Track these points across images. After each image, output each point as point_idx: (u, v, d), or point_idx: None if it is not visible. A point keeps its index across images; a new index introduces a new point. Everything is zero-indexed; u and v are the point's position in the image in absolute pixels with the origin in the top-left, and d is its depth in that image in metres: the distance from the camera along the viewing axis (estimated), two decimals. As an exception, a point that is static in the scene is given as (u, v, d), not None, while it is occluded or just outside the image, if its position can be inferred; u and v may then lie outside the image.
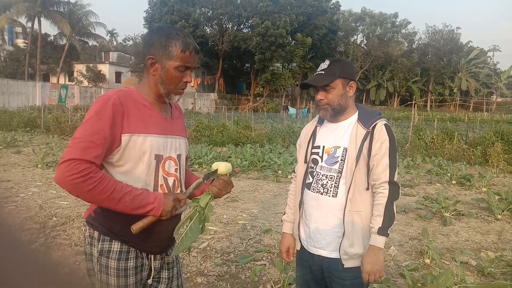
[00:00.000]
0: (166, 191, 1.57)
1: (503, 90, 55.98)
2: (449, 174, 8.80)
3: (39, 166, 8.51)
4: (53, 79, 40.44)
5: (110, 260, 1.50)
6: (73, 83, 39.48)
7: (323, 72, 1.89)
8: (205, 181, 1.66)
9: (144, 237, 1.54)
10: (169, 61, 1.52)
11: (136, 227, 1.44)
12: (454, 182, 8.32)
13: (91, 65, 42.36)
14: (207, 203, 1.57)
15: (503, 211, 5.74)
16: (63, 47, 40.47)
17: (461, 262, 3.90)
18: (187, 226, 1.56)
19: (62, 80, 41.65)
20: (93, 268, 1.53)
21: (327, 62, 1.92)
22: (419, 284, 3.06)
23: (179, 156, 1.65)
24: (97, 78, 41.72)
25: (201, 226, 1.55)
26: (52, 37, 44.21)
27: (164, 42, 1.51)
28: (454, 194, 6.95)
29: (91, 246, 1.53)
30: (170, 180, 1.60)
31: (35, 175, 7.62)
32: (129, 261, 1.52)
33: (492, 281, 3.51)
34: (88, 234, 1.55)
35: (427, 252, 4.04)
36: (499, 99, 58.34)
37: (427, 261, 3.96)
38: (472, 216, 5.67)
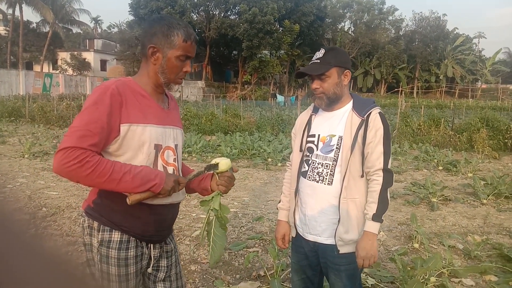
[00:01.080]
0: None
1: (488, 77, 56.65)
2: (435, 160, 8.95)
3: (26, 156, 8.40)
4: (37, 68, 39.69)
5: (110, 250, 1.51)
6: (58, 71, 38.77)
7: (319, 61, 1.90)
8: (206, 171, 1.67)
9: (143, 227, 1.56)
10: (171, 50, 1.53)
11: (132, 198, 1.44)
12: (440, 168, 8.47)
13: (75, 53, 41.63)
14: (219, 203, 1.60)
15: (488, 196, 5.87)
16: (46, 35, 39.66)
17: (449, 246, 3.99)
18: (207, 231, 1.59)
19: (46, 69, 40.91)
20: (93, 258, 1.53)
21: (322, 51, 1.93)
22: (409, 268, 3.13)
23: (176, 146, 1.66)
24: (81, 66, 41.06)
25: (224, 230, 1.59)
26: (34, 24, 43.24)
27: (166, 32, 1.53)
28: (441, 180, 7.08)
29: (90, 236, 1.54)
30: (170, 170, 1.61)
31: (22, 166, 7.52)
32: (129, 251, 1.53)
33: (478, 264, 3.61)
34: (87, 224, 1.55)
35: (415, 237, 4.13)
36: (484, 86, 59.06)
37: (416, 245, 4.05)
38: (459, 201, 5.80)
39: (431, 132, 12.51)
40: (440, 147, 11.15)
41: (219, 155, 9.42)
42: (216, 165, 1.68)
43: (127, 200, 1.45)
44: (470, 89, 55.20)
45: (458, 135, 11.81)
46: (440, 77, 55.33)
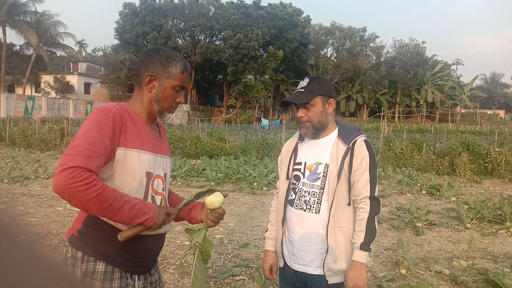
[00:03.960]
0: None
1: (466, 102, 58.28)
2: (419, 184, 9.05)
3: (5, 181, 8.18)
4: (19, 90, 39.21)
5: (94, 281, 1.46)
6: (40, 94, 38.35)
7: (303, 90, 1.92)
8: (195, 199, 1.66)
9: (129, 257, 1.52)
10: (168, 80, 1.58)
11: (123, 234, 1.41)
12: (424, 192, 8.55)
13: (59, 76, 41.32)
14: (204, 236, 1.58)
15: (472, 220, 5.93)
16: (30, 58, 39.33)
17: (436, 271, 3.99)
18: (189, 263, 1.57)
19: (28, 91, 40.43)
20: None
21: (306, 80, 1.95)
22: (397, 295, 3.10)
23: (165, 175, 1.66)
24: (65, 89, 40.71)
25: (204, 263, 1.56)
26: (18, 47, 42.89)
27: (165, 62, 1.57)
28: (425, 204, 7.14)
29: (73, 267, 1.48)
30: (158, 199, 1.59)
31: (1, 191, 7.31)
32: (113, 282, 1.49)
33: (465, 290, 3.61)
34: (70, 255, 1.50)
35: (402, 262, 4.12)
36: (463, 111, 60.70)
37: (403, 271, 4.04)
38: (443, 225, 5.84)
39: (414, 156, 12.69)
40: (423, 171, 11.30)
41: (204, 179, 9.34)
42: (205, 192, 1.67)
43: (118, 237, 1.41)
44: (450, 114, 56.61)
45: (440, 159, 12.01)
46: (421, 102, 56.69)
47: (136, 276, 1.58)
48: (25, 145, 15.36)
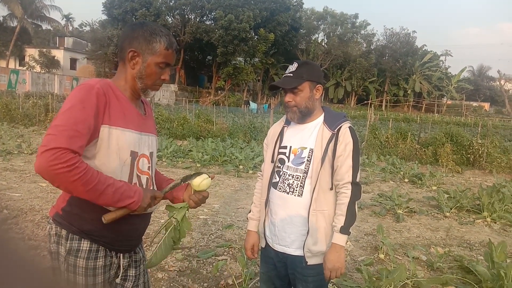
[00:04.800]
0: None
1: (453, 93, 58.94)
2: (402, 173, 9.20)
3: (-13, 155, 8.06)
4: (2, 63, 38.21)
5: (78, 259, 1.46)
6: (25, 68, 37.44)
7: (291, 74, 1.93)
8: (182, 182, 1.66)
9: (114, 236, 1.52)
10: (152, 56, 1.52)
11: (108, 217, 1.41)
12: (406, 180, 8.71)
13: (44, 50, 40.30)
14: (183, 215, 1.59)
15: (451, 209, 6.09)
16: (14, 30, 38.25)
17: (413, 257, 4.10)
18: (161, 238, 1.58)
19: (12, 65, 39.46)
20: (59, 267, 1.48)
21: (295, 65, 1.96)
22: (375, 279, 3.20)
23: (151, 154, 1.64)
24: (50, 64, 39.79)
25: (174, 241, 1.57)
26: (1, 18, 41.65)
27: (148, 37, 1.51)
28: (407, 192, 7.28)
29: (57, 244, 1.48)
30: (143, 178, 1.58)
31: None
32: (98, 260, 1.49)
33: (440, 275, 3.73)
34: (54, 232, 1.49)
35: (381, 247, 4.23)
36: (449, 102, 61.45)
37: (382, 256, 4.15)
38: (423, 213, 5.98)
39: (398, 144, 12.87)
40: (407, 160, 11.48)
41: (190, 160, 9.34)
42: (192, 175, 1.67)
43: (103, 219, 1.41)
44: (436, 105, 57.23)
45: (424, 149, 12.20)
46: (408, 92, 57.14)
47: (121, 255, 1.59)
48: (8, 120, 15.08)
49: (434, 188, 7.93)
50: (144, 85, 1.55)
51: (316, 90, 1.96)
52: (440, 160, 10.92)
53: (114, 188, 1.38)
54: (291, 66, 1.97)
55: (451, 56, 66.65)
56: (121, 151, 1.47)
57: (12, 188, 5.80)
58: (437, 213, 6.07)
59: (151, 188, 1.62)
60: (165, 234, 1.58)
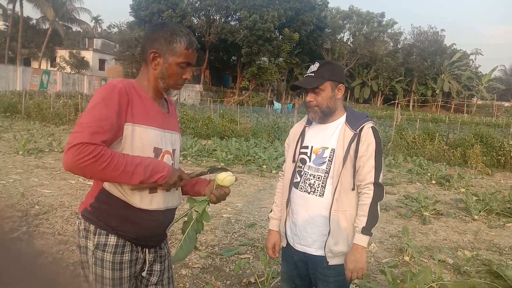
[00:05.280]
0: None
1: (483, 93, 57.16)
2: (429, 174, 9.00)
3: (20, 153, 8.36)
4: (35, 64, 39.54)
5: (106, 253, 1.51)
6: (56, 69, 38.63)
7: (313, 74, 1.93)
8: (208, 172, 1.70)
9: (140, 232, 1.56)
10: (172, 56, 1.54)
11: (134, 185, 1.47)
12: (433, 182, 8.52)
13: (74, 51, 41.53)
14: (204, 209, 1.62)
15: (480, 211, 5.92)
16: (46, 32, 39.53)
17: (439, 260, 4.02)
18: (182, 230, 1.61)
19: (44, 66, 40.78)
20: (87, 261, 1.54)
21: (317, 65, 1.96)
22: (399, 281, 3.15)
23: (174, 151, 1.68)
24: (80, 64, 40.97)
25: (197, 234, 1.60)
26: (34, 21, 43.08)
27: (169, 38, 1.54)
28: (434, 194, 7.13)
29: (86, 239, 1.54)
30: None
31: (16, 162, 7.49)
32: (124, 255, 1.54)
33: (467, 279, 3.64)
34: (83, 227, 1.55)
35: (406, 250, 4.16)
36: (479, 102, 59.58)
37: (407, 258, 4.08)
38: (451, 215, 5.84)
39: (426, 145, 12.59)
40: (434, 161, 11.23)
41: (215, 159, 9.43)
42: (219, 169, 1.70)
43: (129, 186, 1.46)
44: (465, 105, 55.62)
45: (452, 150, 11.90)
46: (437, 91, 55.76)
47: (147, 250, 1.64)
48: (40, 119, 15.60)
49: (463, 190, 7.72)
50: (167, 85, 1.59)
51: (338, 90, 1.95)
52: (469, 162, 10.62)
53: (144, 166, 1.43)
54: (312, 65, 1.97)
55: (482, 55, 64.80)
56: (144, 148, 1.51)
57: (43, 184, 6.01)
58: (465, 216, 5.91)
59: None
60: (188, 227, 1.61)
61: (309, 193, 1.94)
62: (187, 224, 1.62)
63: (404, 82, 55.53)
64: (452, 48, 58.72)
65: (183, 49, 1.55)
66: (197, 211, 1.63)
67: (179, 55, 1.55)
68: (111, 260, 1.51)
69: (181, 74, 1.59)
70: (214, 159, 9.51)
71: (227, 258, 3.81)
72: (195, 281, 3.34)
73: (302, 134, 2.05)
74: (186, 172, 1.87)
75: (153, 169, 1.45)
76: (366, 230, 1.82)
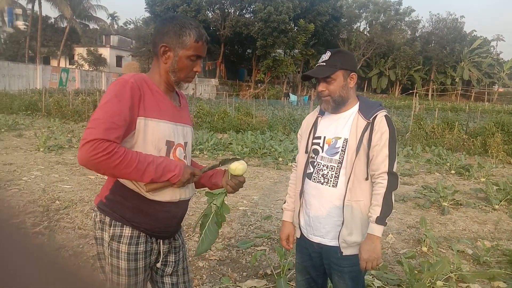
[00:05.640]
0: None
1: (505, 80, 55.73)
2: (448, 164, 8.86)
3: (41, 149, 8.56)
4: (54, 62, 40.26)
5: (121, 244, 1.55)
6: (74, 66, 39.23)
7: (324, 63, 1.91)
8: (220, 165, 1.72)
9: (154, 223, 1.59)
10: (182, 50, 1.56)
11: (150, 187, 1.50)
12: (453, 172, 8.38)
13: (92, 48, 42.06)
14: (222, 201, 1.63)
15: (500, 201, 5.80)
16: (64, 30, 40.16)
17: (458, 250, 3.96)
18: (202, 223, 1.63)
19: (62, 64, 41.45)
20: (104, 252, 1.58)
21: (328, 54, 1.94)
22: (416, 272, 3.12)
23: (186, 143, 1.70)
24: (98, 61, 41.48)
25: (218, 227, 1.62)
26: (52, 20, 43.80)
27: (178, 31, 1.55)
28: (453, 184, 7.00)
29: (102, 231, 1.58)
30: None
31: (37, 159, 7.68)
32: (139, 246, 1.57)
33: (487, 270, 3.58)
34: (99, 219, 1.59)
35: (424, 240, 4.11)
36: (500, 90, 58.11)
37: (424, 249, 4.04)
38: (470, 206, 5.74)
39: (445, 135, 12.37)
40: (453, 151, 11.03)
41: (231, 153, 9.47)
42: (230, 160, 1.72)
43: (144, 187, 1.50)
44: (486, 93, 54.32)
45: (472, 139, 11.66)
46: (456, 80, 54.60)
47: (161, 241, 1.67)
48: (60, 116, 15.91)
49: (483, 180, 7.57)
50: (177, 78, 1.60)
51: (350, 79, 1.93)
52: (489, 151, 10.40)
53: (155, 164, 1.46)
54: (324, 55, 1.95)
55: (504, 40, 62.94)
56: (156, 141, 1.53)
57: (64, 180, 6.14)
58: (485, 206, 5.80)
59: None
60: (207, 220, 1.63)
61: (322, 183, 1.93)
62: (207, 218, 1.65)
63: (422, 71, 54.56)
64: (472, 35, 57.32)
65: (193, 42, 1.56)
66: (215, 205, 1.65)
67: (188, 48, 1.56)
68: (126, 251, 1.55)
69: (191, 67, 1.60)
70: (230, 152, 9.55)
71: (244, 250, 3.84)
72: (212, 273, 3.38)
73: (315, 125, 2.04)
74: (200, 165, 1.90)
75: (164, 168, 1.48)
76: (381, 220, 1.81)
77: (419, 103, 23.63)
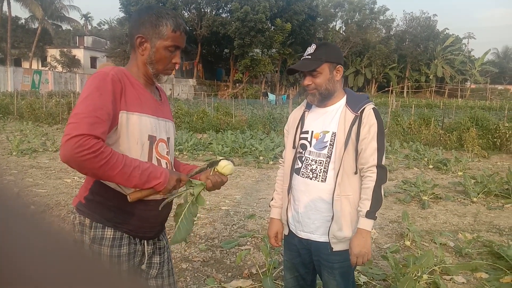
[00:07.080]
0: None
1: (476, 77, 57.26)
2: (426, 159, 9.01)
3: (14, 153, 8.27)
4: (25, 64, 39.13)
5: (103, 247, 1.46)
6: (47, 68, 38.25)
7: (310, 57, 1.87)
8: (208, 168, 1.64)
9: (138, 223, 1.52)
10: (159, 40, 1.49)
11: (133, 196, 1.42)
12: (431, 166, 8.52)
13: (65, 49, 41.03)
14: (199, 193, 1.56)
15: (478, 194, 5.92)
16: (35, 31, 39.06)
17: (440, 243, 4.00)
18: (177, 213, 1.56)
19: (35, 65, 40.35)
20: None
21: (313, 47, 1.90)
22: (401, 266, 3.13)
23: (168, 139, 1.63)
24: (71, 63, 40.51)
25: (193, 216, 1.55)
26: (23, 20, 42.54)
27: (155, 21, 1.48)
28: (432, 178, 7.12)
29: (82, 233, 1.49)
30: (163, 163, 1.57)
31: (10, 163, 7.41)
32: (122, 248, 1.49)
33: (469, 261, 3.63)
34: (78, 221, 1.50)
35: (407, 234, 4.14)
36: (473, 86, 59.73)
37: (408, 243, 4.06)
38: (449, 199, 5.84)
39: (422, 131, 12.60)
40: (430, 146, 11.23)
41: (211, 153, 9.38)
42: (218, 162, 1.65)
43: (128, 197, 1.41)
44: (459, 89, 55.75)
45: (448, 134, 11.91)
46: (430, 77, 55.82)
47: (145, 242, 1.59)
48: (33, 119, 15.45)
49: (460, 173, 7.72)
50: (156, 70, 1.54)
51: (337, 71, 1.90)
52: (465, 145, 10.64)
53: (141, 170, 1.37)
54: (309, 48, 1.91)
55: (474, 38, 64.85)
56: (139, 136, 1.46)
57: (38, 184, 5.93)
58: (464, 199, 5.91)
59: None
60: (183, 209, 1.55)
61: (311, 178, 1.89)
62: (182, 206, 1.57)
63: (397, 69, 55.54)
64: (445, 33, 58.71)
65: (170, 32, 1.49)
66: (192, 194, 1.57)
67: (166, 38, 1.49)
68: (108, 253, 1.47)
69: (170, 58, 1.54)
70: (210, 152, 9.45)
71: (228, 250, 3.77)
72: (196, 274, 3.30)
73: (302, 119, 2.00)
74: (184, 164, 1.82)
75: (149, 174, 1.39)
76: (371, 214, 1.78)
77: (395, 100, 24.04)
